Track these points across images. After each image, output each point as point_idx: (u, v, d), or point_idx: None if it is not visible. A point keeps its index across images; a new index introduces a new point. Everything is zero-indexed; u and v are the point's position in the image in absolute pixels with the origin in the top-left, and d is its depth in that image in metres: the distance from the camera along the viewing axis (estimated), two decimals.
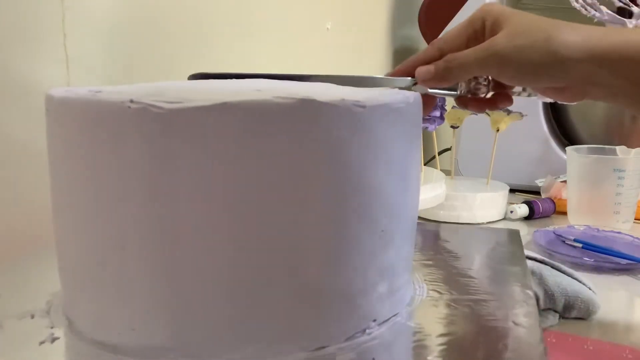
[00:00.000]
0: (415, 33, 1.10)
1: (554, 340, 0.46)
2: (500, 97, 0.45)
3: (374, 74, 0.38)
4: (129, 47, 0.64)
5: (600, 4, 0.83)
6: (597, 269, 0.61)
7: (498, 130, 0.84)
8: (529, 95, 0.47)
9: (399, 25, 1.20)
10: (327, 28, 0.98)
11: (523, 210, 0.81)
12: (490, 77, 0.44)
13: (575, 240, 0.66)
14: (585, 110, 0.96)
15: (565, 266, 0.53)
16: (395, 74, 0.43)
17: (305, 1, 0.93)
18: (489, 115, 0.83)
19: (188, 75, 0.42)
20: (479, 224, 0.79)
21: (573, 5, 0.84)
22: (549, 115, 0.98)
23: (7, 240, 0.53)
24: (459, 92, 0.45)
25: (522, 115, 0.83)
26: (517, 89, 0.46)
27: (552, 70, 0.37)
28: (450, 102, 0.86)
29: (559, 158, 0.94)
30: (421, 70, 0.41)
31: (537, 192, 0.92)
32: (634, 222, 0.78)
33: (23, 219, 0.54)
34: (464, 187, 0.84)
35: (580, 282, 0.51)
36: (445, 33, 0.43)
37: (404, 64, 0.44)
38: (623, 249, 0.65)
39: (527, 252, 0.55)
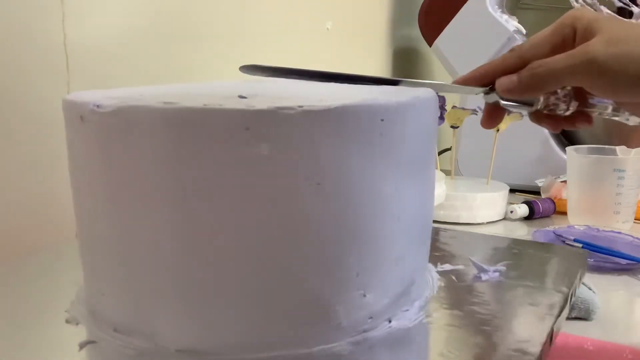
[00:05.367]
0: (415, 33, 1.10)
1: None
2: (580, 117, 0.41)
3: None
4: (129, 48, 0.64)
5: (600, 4, 0.83)
6: (597, 269, 0.61)
7: (498, 130, 0.84)
8: (613, 117, 0.41)
9: (399, 25, 1.20)
10: (327, 28, 0.98)
11: (523, 210, 0.81)
12: (570, 94, 0.40)
13: (575, 240, 0.66)
14: None
15: None
16: (466, 81, 0.40)
17: (305, 1, 0.93)
18: None
19: (239, 67, 0.39)
20: (479, 224, 0.79)
21: (573, 5, 0.84)
22: None
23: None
24: (536, 107, 0.40)
25: (522, 115, 0.83)
26: (600, 108, 0.40)
27: None
28: (450, 102, 0.86)
29: (559, 158, 0.94)
30: (503, 81, 0.38)
31: (537, 192, 0.92)
32: (634, 222, 0.78)
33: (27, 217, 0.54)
34: (464, 187, 0.84)
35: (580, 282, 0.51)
36: (527, 40, 0.39)
37: (477, 71, 0.40)
38: (623, 249, 0.65)
39: None
